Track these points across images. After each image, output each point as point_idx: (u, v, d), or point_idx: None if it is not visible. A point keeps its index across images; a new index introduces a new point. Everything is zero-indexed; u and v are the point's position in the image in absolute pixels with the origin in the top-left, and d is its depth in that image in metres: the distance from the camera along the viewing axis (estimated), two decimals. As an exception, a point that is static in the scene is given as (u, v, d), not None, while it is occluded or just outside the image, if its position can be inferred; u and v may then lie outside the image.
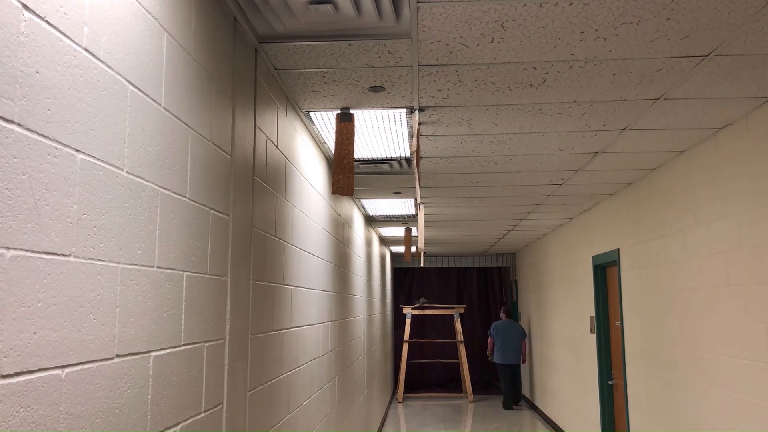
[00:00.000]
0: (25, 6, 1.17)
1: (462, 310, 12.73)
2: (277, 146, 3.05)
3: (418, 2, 2.30)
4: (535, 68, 2.92)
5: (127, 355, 1.52)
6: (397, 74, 2.98)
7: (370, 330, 8.19)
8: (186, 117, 1.91)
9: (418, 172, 4.00)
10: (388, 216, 7.60)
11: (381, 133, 3.95)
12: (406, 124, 3.77)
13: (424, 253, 12.59)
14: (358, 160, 4.66)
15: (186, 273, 1.89)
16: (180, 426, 1.83)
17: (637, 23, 2.48)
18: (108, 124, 1.45)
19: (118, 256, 1.49)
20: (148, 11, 1.67)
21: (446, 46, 2.67)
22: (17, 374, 1.13)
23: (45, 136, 1.22)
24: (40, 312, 1.19)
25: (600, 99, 3.35)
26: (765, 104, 3.44)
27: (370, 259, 8.34)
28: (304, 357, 3.64)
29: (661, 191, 4.96)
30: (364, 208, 6.95)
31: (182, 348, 1.86)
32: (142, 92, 1.63)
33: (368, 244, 8.06)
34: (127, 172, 1.54)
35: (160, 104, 1.73)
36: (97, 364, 1.39)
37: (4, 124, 1.11)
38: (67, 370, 1.27)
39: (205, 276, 2.05)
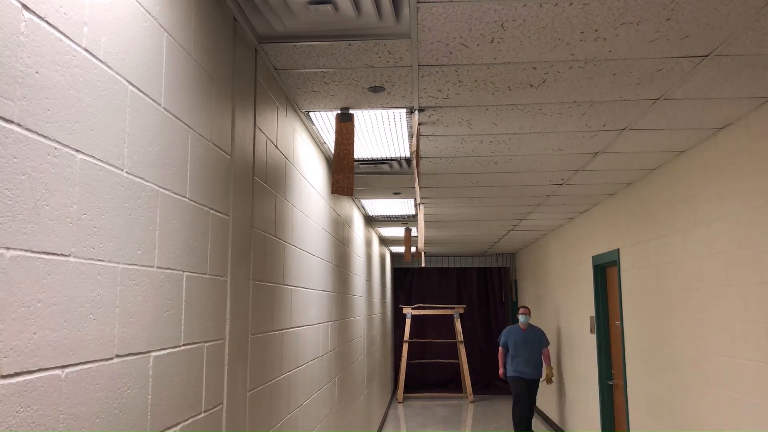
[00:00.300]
0: (25, 6, 1.16)
1: (462, 310, 12.73)
2: (276, 146, 3.05)
3: (418, 2, 2.30)
4: (535, 68, 2.92)
5: (127, 356, 1.52)
6: (397, 74, 2.98)
7: (370, 330, 8.19)
8: (186, 117, 1.91)
9: (418, 172, 4.00)
10: (388, 216, 7.60)
11: (381, 133, 3.95)
12: (406, 124, 3.77)
13: (424, 253, 12.59)
14: (358, 160, 4.66)
15: (186, 273, 1.89)
16: (180, 426, 1.83)
17: (637, 23, 2.48)
18: (108, 124, 1.45)
19: (117, 257, 1.49)
20: (148, 11, 1.67)
21: (446, 46, 2.67)
22: (17, 374, 1.13)
23: (45, 136, 1.22)
24: (40, 312, 1.19)
25: (600, 99, 3.35)
26: (765, 104, 3.44)
27: (370, 259, 8.34)
28: (304, 357, 3.64)
29: (661, 191, 4.96)
30: (363, 208, 6.95)
31: (182, 348, 1.86)
32: (142, 92, 1.63)
33: (368, 244, 8.06)
34: (127, 172, 1.54)
35: (160, 104, 1.73)
36: (97, 364, 1.39)
37: (4, 124, 1.11)
38: (67, 370, 1.27)
39: (205, 276, 2.05)
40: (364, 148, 4.30)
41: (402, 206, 6.87)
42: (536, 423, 10.07)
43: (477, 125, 3.79)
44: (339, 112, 3.46)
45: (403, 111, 3.53)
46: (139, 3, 1.63)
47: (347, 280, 5.88)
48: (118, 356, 1.48)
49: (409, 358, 14.09)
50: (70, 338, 1.29)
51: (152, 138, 1.68)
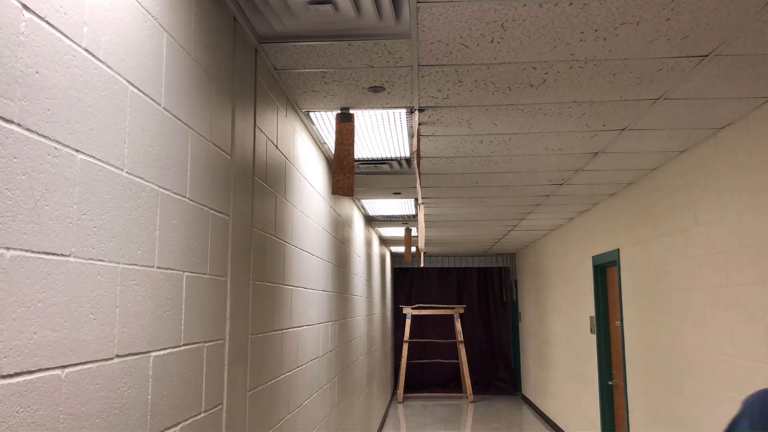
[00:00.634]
0: (25, 6, 1.16)
1: (462, 311, 12.72)
2: (276, 146, 3.05)
3: (418, 2, 2.30)
4: (535, 68, 2.92)
5: (127, 356, 1.52)
6: (397, 74, 2.98)
7: (369, 330, 8.19)
8: (186, 117, 1.91)
9: (418, 172, 4.00)
10: (388, 216, 7.60)
11: (381, 133, 3.95)
12: (406, 124, 3.77)
13: (424, 253, 12.59)
14: (358, 160, 4.66)
15: (186, 273, 1.89)
16: (180, 426, 1.83)
17: (637, 23, 2.48)
18: (108, 125, 1.45)
19: (118, 257, 1.49)
20: (148, 11, 1.67)
21: (446, 46, 2.67)
22: (17, 374, 1.13)
23: (45, 137, 1.22)
24: (40, 312, 1.19)
25: (600, 99, 3.35)
26: (765, 104, 3.44)
27: (370, 259, 8.34)
28: (303, 357, 3.64)
29: (661, 191, 4.96)
30: (364, 208, 6.95)
31: (182, 348, 1.86)
32: (142, 92, 1.63)
33: (368, 244, 8.06)
34: (127, 172, 1.54)
35: (160, 104, 1.73)
36: (97, 364, 1.39)
37: (4, 124, 1.11)
38: (67, 370, 1.27)
39: (205, 276, 2.05)
40: (364, 148, 4.30)
41: (402, 206, 6.87)
42: (536, 423, 10.07)
43: (477, 125, 3.79)
44: (339, 112, 3.46)
45: (403, 111, 3.53)
46: (139, 3, 1.63)
47: (347, 280, 5.88)
48: (118, 356, 1.48)
49: (409, 358, 14.09)
50: (70, 338, 1.29)
51: (152, 138, 1.68)
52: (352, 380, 6.10)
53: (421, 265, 8.64)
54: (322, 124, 3.77)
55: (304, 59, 2.81)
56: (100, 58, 1.42)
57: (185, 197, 1.90)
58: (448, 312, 12.57)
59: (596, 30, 2.53)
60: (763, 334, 3.49)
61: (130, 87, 1.56)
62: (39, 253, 1.19)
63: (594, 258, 6.96)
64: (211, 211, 2.13)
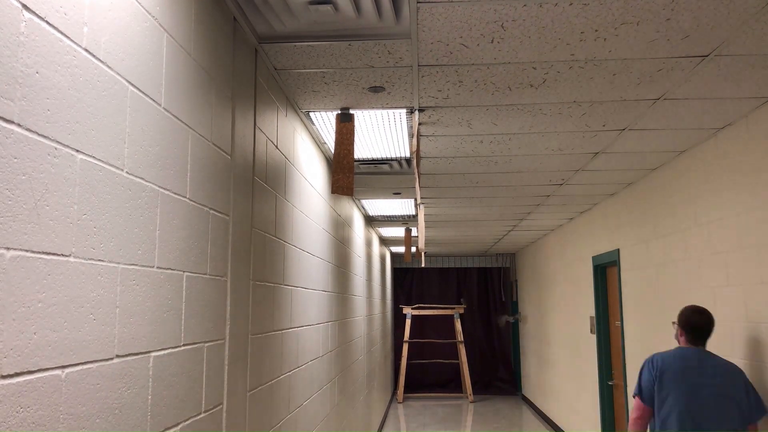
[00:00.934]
0: (25, 6, 1.17)
1: (462, 311, 12.72)
2: (277, 146, 3.05)
3: (418, 2, 2.30)
4: (535, 68, 2.92)
5: (127, 356, 1.52)
6: (397, 74, 2.98)
7: (370, 330, 8.19)
8: (186, 117, 1.91)
9: (418, 172, 4.00)
10: (388, 216, 7.60)
11: (381, 133, 3.95)
12: (406, 124, 3.77)
13: (424, 253, 12.59)
14: (358, 160, 4.66)
15: (186, 273, 1.89)
16: (180, 426, 1.83)
17: (637, 23, 2.48)
18: (108, 125, 1.45)
19: (118, 257, 1.49)
20: (148, 11, 1.67)
21: (446, 46, 2.67)
22: (17, 374, 1.13)
23: (45, 137, 1.22)
24: (40, 312, 1.19)
25: (600, 99, 3.35)
26: (765, 104, 3.44)
27: (370, 259, 8.34)
28: (304, 357, 3.64)
29: (661, 191, 4.96)
30: (364, 208, 6.95)
31: (182, 348, 1.86)
32: (142, 92, 1.63)
33: (368, 244, 8.06)
34: (127, 172, 1.54)
35: (160, 104, 1.73)
36: (97, 364, 1.39)
37: (4, 124, 1.11)
38: (67, 370, 1.27)
39: (205, 276, 2.05)
40: (364, 148, 4.30)
41: (402, 206, 6.87)
42: (536, 423, 10.07)
43: (477, 125, 3.79)
44: (339, 112, 3.46)
45: (403, 111, 3.53)
46: (139, 3, 1.63)
47: (347, 280, 5.88)
48: (118, 356, 1.48)
49: (409, 358, 14.08)
50: (70, 338, 1.29)
51: (152, 138, 1.68)
52: (352, 380, 6.10)
53: (422, 265, 8.64)
54: (322, 124, 3.77)
55: (304, 59, 2.81)
56: (101, 59, 1.42)
57: (185, 197, 1.90)
58: (448, 312, 12.57)
59: (596, 30, 2.53)
60: (764, 334, 3.49)
61: (130, 87, 1.56)
62: (39, 253, 1.19)
63: (594, 258, 6.96)
64: (211, 211, 2.13)
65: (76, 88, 1.32)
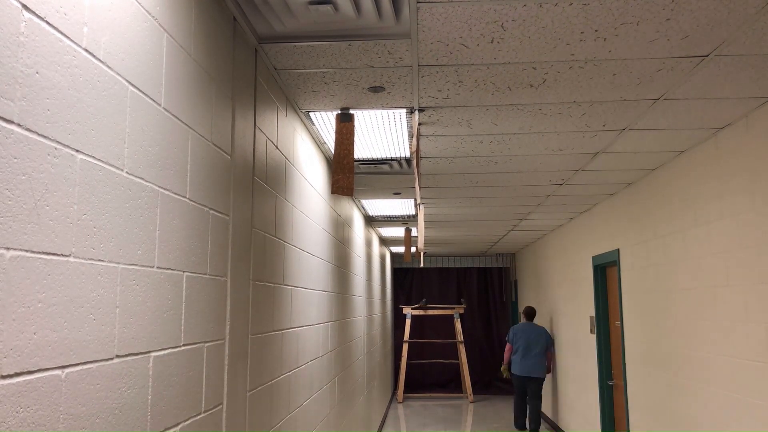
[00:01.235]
0: (25, 6, 1.17)
1: (462, 311, 12.72)
2: (276, 146, 3.05)
3: (418, 2, 2.30)
4: (535, 68, 2.92)
5: (127, 356, 1.52)
6: (397, 74, 2.98)
7: (370, 330, 8.19)
8: (186, 117, 1.91)
9: (418, 172, 4.00)
10: (388, 216, 7.60)
11: (381, 133, 3.95)
12: (406, 124, 3.77)
13: (424, 253, 12.59)
14: (358, 160, 4.66)
15: (186, 273, 1.89)
16: (180, 426, 1.83)
17: (637, 23, 2.48)
18: (108, 125, 1.45)
19: (118, 257, 1.49)
20: (148, 12, 1.67)
21: (446, 46, 2.67)
22: (17, 374, 1.13)
23: (45, 137, 1.22)
24: (40, 312, 1.19)
25: (600, 99, 3.35)
26: (765, 104, 3.44)
27: (370, 259, 8.34)
28: (303, 357, 3.64)
29: (661, 191, 4.96)
30: (364, 208, 6.95)
31: (182, 348, 1.86)
32: (142, 92, 1.63)
33: (368, 244, 8.06)
34: (127, 172, 1.54)
35: (160, 104, 1.73)
36: (97, 364, 1.39)
37: (4, 124, 1.11)
38: (67, 370, 1.27)
39: (205, 276, 2.05)
40: (364, 148, 4.30)
41: (402, 206, 6.87)
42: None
43: (477, 125, 3.79)
44: (339, 112, 3.46)
45: (403, 111, 3.53)
46: (139, 3, 1.63)
47: (347, 281, 5.88)
48: (118, 356, 1.48)
49: (409, 358, 14.09)
50: (70, 338, 1.29)
51: (152, 138, 1.68)
52: (352, 380, 6.10)
53: (421, 265, 8.64)
54: (322, 124, 3.77)
55: (304, 59, 2.81)
56: (100, 59, 1.42)
57: (185, 197, 1.90)
58: (448, 312, 12.57)
59: (596, 30, 2.53)
60: (763, 334, 3.49)
61: (130, 87, 1.56)
62: (39, 253, 1.19)
63: (594, 258, 6.96)
64: (211, 212, 2.13)
65: (76, 88, 1.32)
